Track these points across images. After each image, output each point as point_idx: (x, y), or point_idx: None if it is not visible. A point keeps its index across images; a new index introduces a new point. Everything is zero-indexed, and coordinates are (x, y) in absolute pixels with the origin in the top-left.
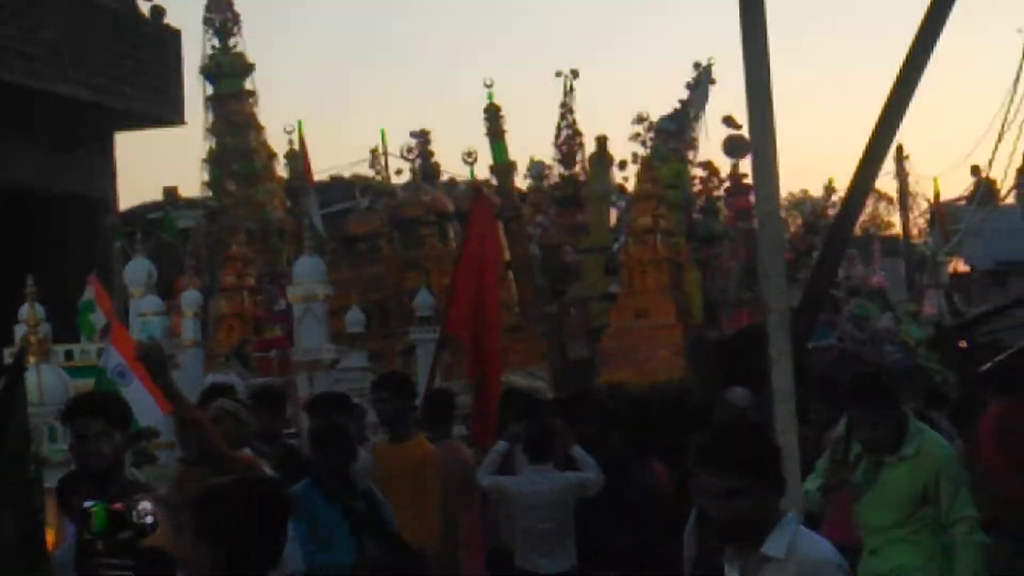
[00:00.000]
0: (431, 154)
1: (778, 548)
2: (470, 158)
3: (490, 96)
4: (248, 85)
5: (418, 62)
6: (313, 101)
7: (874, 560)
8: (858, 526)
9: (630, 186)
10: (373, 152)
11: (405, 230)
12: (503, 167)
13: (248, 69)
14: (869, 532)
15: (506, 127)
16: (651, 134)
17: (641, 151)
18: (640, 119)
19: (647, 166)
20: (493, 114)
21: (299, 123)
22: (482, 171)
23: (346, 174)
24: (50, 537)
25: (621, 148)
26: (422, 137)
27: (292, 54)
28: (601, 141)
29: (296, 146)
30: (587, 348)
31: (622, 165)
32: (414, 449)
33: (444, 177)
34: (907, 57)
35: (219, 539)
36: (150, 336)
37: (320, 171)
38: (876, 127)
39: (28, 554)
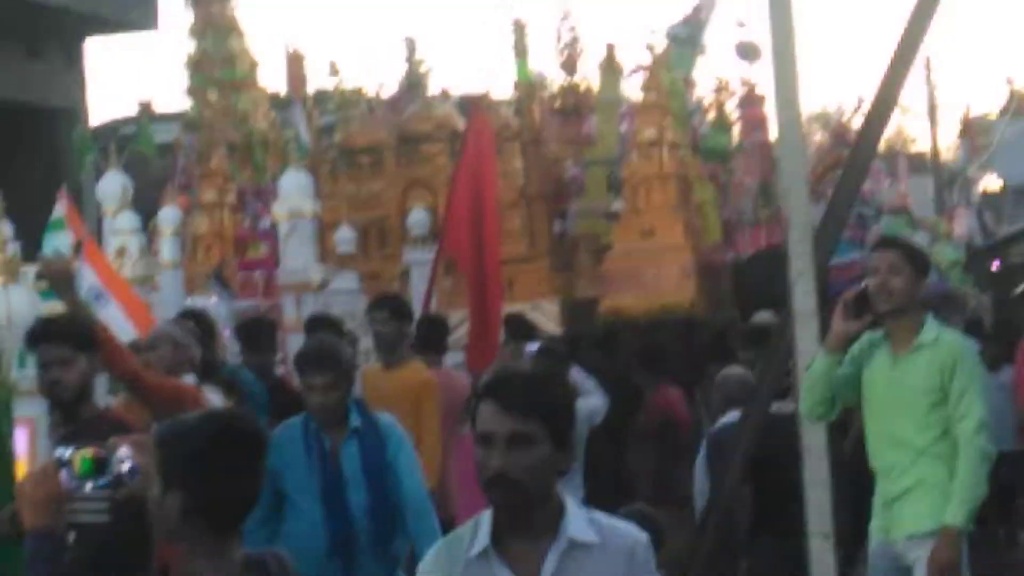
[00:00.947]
0: (418, 63)
1: (585, 530)
2: (488, 75)
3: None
4: None
5: None
6: (300, 7)
7: (887, 483)
8: (873, 442)
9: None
10: (287, 55)
11: (412, 146)
12: (526, 85)
13: None
14: (886, 446)
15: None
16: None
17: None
18: (651, 29)
19: (651, 75)
20: (519, 30)
21: (286, 30)
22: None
23: (330, 86)
24: (21, 467)
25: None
26: (409, 44)
27: None
28: (610, 48)
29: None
30: (595, 287)
31: (632, 73)
32: (410, 375)
33: (435, 90)
34: None
35: (186, 482)
36: (55, 250)
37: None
38: (904, 31)
39: None
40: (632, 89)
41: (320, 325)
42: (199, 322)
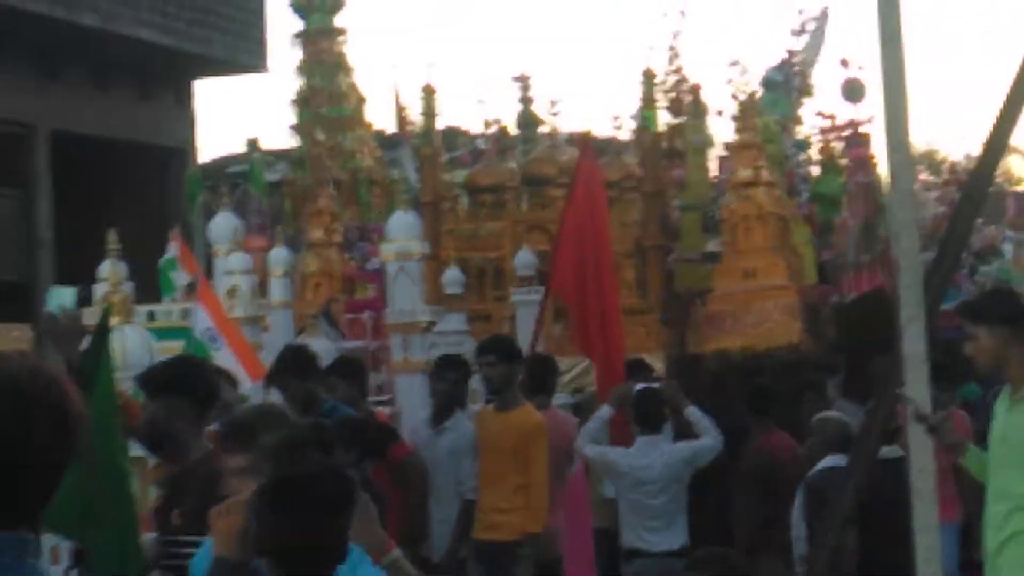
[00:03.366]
0: (530, 101)
1: None
2: (616, 122)
3: (648, 60)
4: (337, 22)
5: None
6: (408, 43)
7: (990, 534)
8: (987, 493)
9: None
10: (396, 94)
11: (536, 188)
12: (652, 136)
13: (339, 4)
14: (994, 497)
15: (612, 76)
16: (745, 78)
17: (737, 99)
18: (734, 63)
19: (744, 115)
20: (649, 79)
21: (394, 68)
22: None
23: (440, 124)
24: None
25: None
26: (522, 83)
27: None
28: (695, 89)
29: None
30: (701, 341)
31: (719, 114)
32: (520, 419)
33: (545, 127)
34: None
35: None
36: (60, 306)
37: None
38: (1018, 71)
39: (116, 520)
40: (723, 131)
41: (448, 366)
42: (301, 358)
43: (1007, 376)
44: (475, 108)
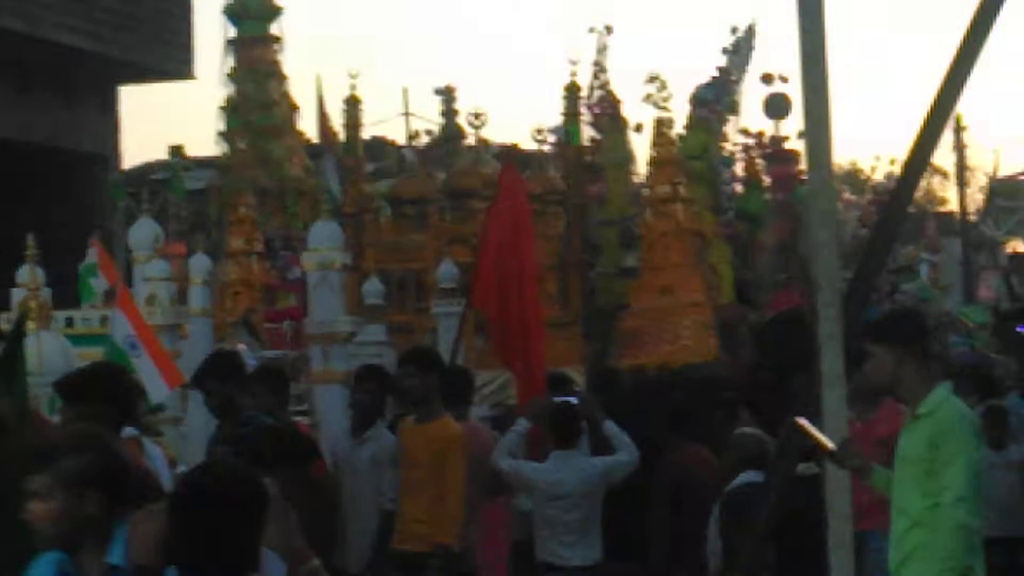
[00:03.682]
0: (456, 113)
1: None
2: (540, 135)
3: (573, 74)
4: (274, 30)
5: (450, 12)
6: (343, 52)
7: (892, 551)
8: (891, 508)
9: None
10: (319, 104)
11: (459, 200)
12: (575, 150)
13: (275, 12)
14: (895, 514)
15: (527, 84)
16: (664, 94)
17: (654, 114)
18: (652, 79)
19: (660, 130)
20: (573, 93)
21: (318, 78)
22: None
23: (366, 134)
24: None
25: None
26: (447, 95)
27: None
28: (615, 104)
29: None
30: (621, 353)
31: (638, 129)
32: (438, 430)
33: (470, 140)
34: (970, 23)
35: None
36: None
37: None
38: (937, 95)
39: (24, 530)
40: (641, 146)
41: (369, 377)
42: (226, 362)
43: (901, 395)
44: (401, 119)
